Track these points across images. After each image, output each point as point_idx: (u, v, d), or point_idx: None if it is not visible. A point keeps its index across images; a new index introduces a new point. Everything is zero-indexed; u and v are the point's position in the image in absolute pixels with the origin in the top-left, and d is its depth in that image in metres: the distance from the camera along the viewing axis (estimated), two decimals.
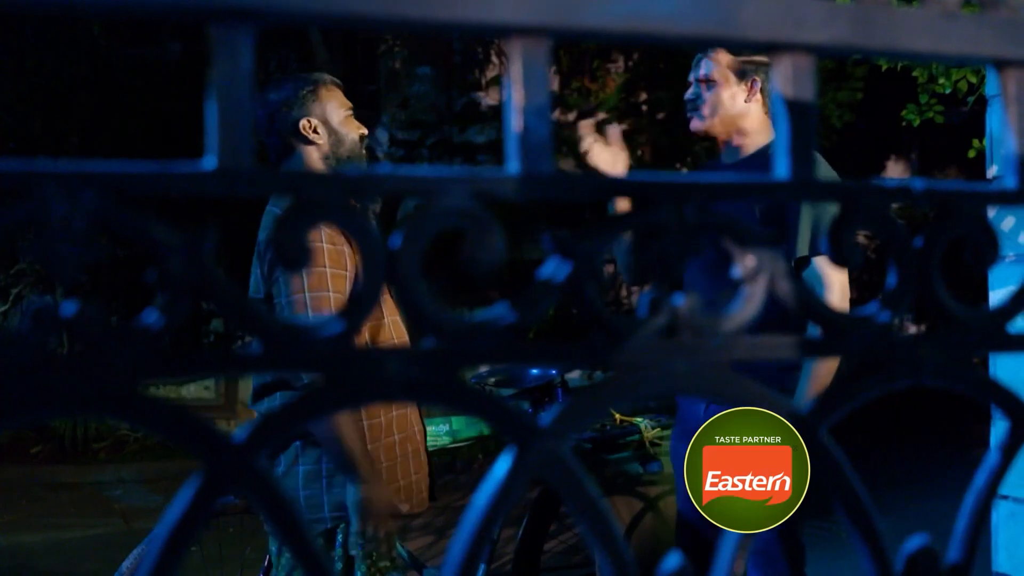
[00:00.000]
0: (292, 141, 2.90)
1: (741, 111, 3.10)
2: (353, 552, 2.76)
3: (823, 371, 2.87)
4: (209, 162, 0.54)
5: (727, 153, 3.18)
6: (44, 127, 11.50)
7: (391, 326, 2.85)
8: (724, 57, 3.10)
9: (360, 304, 0.56)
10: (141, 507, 8.06)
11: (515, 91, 0.61)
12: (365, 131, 2.99)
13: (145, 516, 7.38)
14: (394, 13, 0.57)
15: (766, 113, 3.13)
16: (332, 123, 2.91)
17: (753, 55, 3.09)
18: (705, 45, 0.61)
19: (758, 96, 3.11)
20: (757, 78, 3.10)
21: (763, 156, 3.07)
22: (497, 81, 15.48)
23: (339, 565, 2.76)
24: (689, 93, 3.15)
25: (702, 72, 3.12)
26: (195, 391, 12.76)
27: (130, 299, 10.62)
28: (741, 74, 3.09)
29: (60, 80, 11.29)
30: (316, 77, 2.96)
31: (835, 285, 2.88)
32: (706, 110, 3.10)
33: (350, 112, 2.96)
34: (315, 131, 2.88)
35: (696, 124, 3.13)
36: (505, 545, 4.48)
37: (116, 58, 11.49)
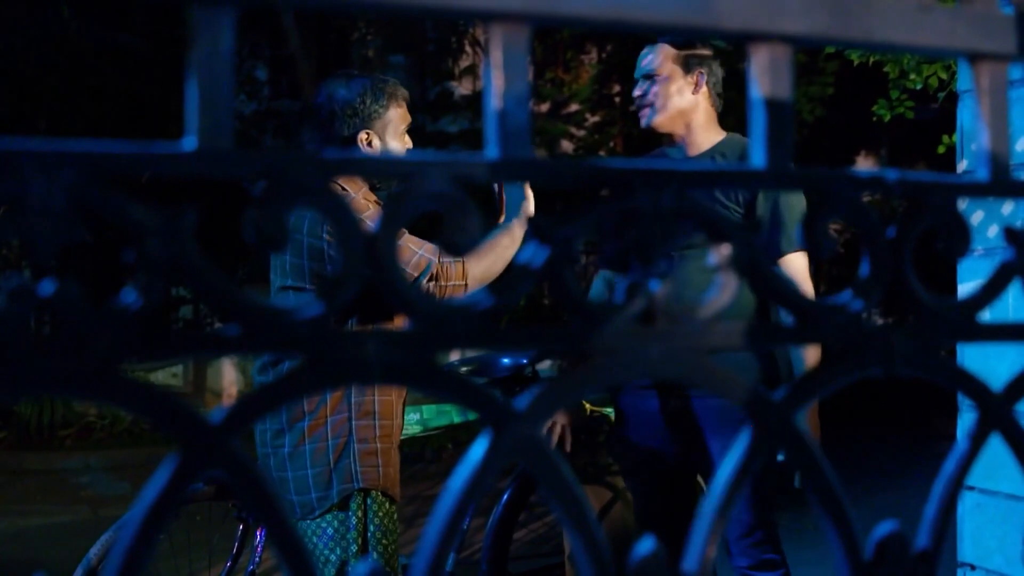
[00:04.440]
0: (344, 146, 2.93)
1: (689, 105, 3.12)
2: (371, 528, 2.82)
3: (811, 358, 2.94)
4: (189, 143, 0.54)
5: (676, 149, 3.20)
6: (12, 110, 11.40)
7: None
8: (669, 51, 3.13)
9: (339, 287, 0.56)
10: (108, 494, 8.02)
11: (495, 77, 0.61)
12: (411, 147, 3.05)
13: (112, 503, 7.34)
14: None
15: (712, 107, 3.17)
16: (388, 139, 2.95)
17: (696, 48, 3.14)
18: (683, 34, 0.61)
19: (704, 89, 3.14)
20: (702, 71, 3.13)
21: (714, 155, 3.12)
22: (470, 71, 15.46)
23: (354, 547, 2.80)
24: (637, 90, 3.17)
25: (648, 67, 3.15)
26: (163, 378, 12.70)
27: (97, 280, 10.57)
28: (686, 67, 3.12)
29: (29, 63, 11.19)
30: (392, 90, 2.98)
31: (796, 276, 2.96)
32: (656, 104, 3.12)
33: (407, 127, 3.01)
34: (370, 144, 2.93)
35: (647, 119, 3.15)
36: (474, 534, 4.48)
37: (86, 41, 11.39)
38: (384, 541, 2.84)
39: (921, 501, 0.72)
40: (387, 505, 2.88)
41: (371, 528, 2.83)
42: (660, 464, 3.23)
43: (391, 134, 2.95)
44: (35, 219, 0.50)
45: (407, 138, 3.01)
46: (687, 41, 3.13)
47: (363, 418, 2.85)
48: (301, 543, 0.56)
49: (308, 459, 2.82)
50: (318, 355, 0.55)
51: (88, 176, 0.51)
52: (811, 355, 2.93)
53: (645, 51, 3.19)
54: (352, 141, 2.92)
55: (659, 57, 3.13)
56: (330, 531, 2.82)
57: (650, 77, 3.13)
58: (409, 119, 3.02)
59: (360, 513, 2.83)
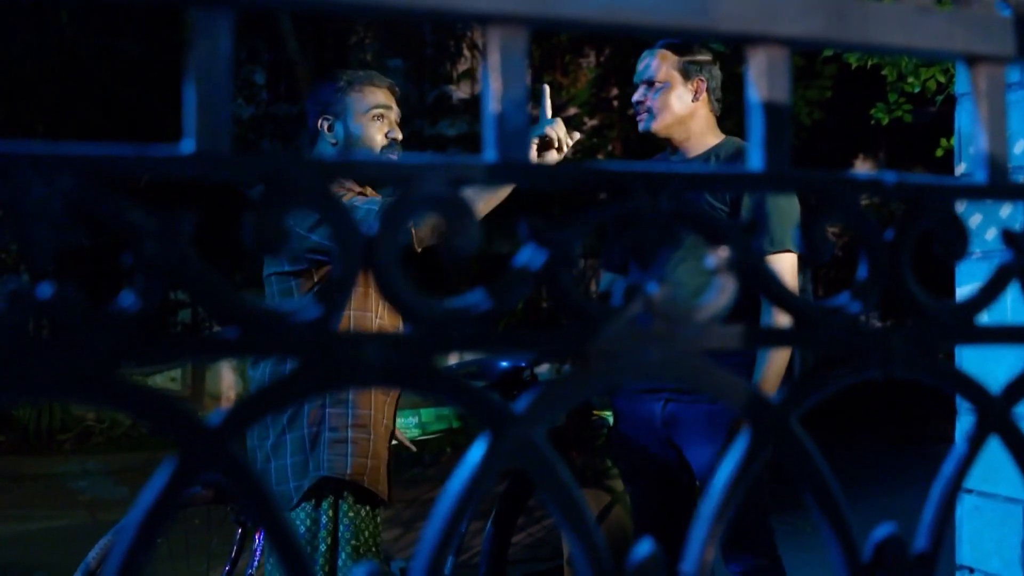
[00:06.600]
0: (314, 138, 3.01)
1: (688, 111, 3.11)
2: (341, 528, 2.82)
3: (775, 364, 2.94)
4: (187, 146, 0.54)
5: (675, 154, 3.20)
6: (10, 115, 11.41)
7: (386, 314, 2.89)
8: (670, 57, 3.12)
9: (337, 290, 0.56)
10: (106, 499, 8.00)
11: (493, 80, 0.61)
12: (397, 135, 3.01)
13: (110, 508, 7.32)
14: (373, 0, 0.58)
15: (711, 112, 3.17)
16: (348, 122, 2.96)
17: (697, 54, 3.13)
18: (680, 36, 0.62)
19: (704, 95, 3.13)
20: (703, 78, 3.12)
21: (710, 157, 3.11)
22: (468, 74, 15.47)
23: (323, 546, 2.80)
24: (637, 95, 3.16)
25: (649, 74, 3.14)
26: (161, 381, 12.70)
27: (95, 284, 10.58)
28: (686, 74, 3.11)
29: (26, 68, 11.20)
30: (351, 76, 3.01)
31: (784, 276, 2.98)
32: (655, 111, 3.11)
33: (377, 113, 2.98)
34: (329, 129, 2.96)
35: (644, 125, 3.14)
36: (473, 538, 4.48)
37: (83, 47, 11.40)
38: (354, 542, 2.82)
39: (920, 504, 0.72)
40: (363, 508, 2.86)
41: (340, 528, 2.83)
42: (657, 467, 3.23)
43: (353, 119, 2.95)
44: (33, 223, 0.50)
45: (381, 125, 2.98)
46: (686, 44, 3.12)
47: (336, 406, 2.84)
48: (299, 546, 0.56)
49: (288, 448, 2.83)
50: (317, 358, 0.55)
51: (86, 179, 0.51)
52: (776, 360, 2.94)
53: (644, 56, 3.17)
54: (316, 128, 2.99)
55: (659, 64, 3.12)
56: (302, 529, 2.82)
57: (650, 84, 3.12)
58: (377, 104, 2.98)
59: (331, 512, 2.83)
